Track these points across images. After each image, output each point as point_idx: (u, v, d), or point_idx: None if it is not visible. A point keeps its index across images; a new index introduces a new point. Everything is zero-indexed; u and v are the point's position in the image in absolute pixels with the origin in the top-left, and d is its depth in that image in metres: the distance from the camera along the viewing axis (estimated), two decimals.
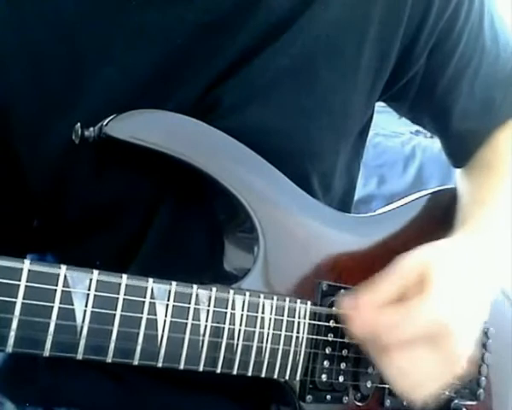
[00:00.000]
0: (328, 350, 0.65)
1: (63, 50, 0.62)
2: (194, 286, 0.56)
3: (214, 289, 0.57)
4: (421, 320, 0.59)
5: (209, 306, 0.56)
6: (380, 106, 0.80)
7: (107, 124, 0.57)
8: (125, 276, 0.52)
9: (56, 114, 0.62)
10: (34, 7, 0.62)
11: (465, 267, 0.65)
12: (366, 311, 0.60)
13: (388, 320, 0.59)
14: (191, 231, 0.67)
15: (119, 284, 0.52)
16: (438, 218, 0.80)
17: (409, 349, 0.59)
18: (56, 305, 0.49)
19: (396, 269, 0.61)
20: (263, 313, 0.60)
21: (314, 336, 0.64)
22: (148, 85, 0.63)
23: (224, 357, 0.58)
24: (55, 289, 0.49)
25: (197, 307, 0.56)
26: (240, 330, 0.58)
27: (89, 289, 0.50)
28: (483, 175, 0.81)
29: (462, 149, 0.84)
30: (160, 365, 0.54)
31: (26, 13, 0.62)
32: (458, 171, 0.86)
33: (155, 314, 0.53)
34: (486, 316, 0.67)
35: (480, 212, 0.76)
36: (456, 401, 0.74)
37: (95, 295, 0.50)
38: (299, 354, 0.63)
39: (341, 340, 0.66)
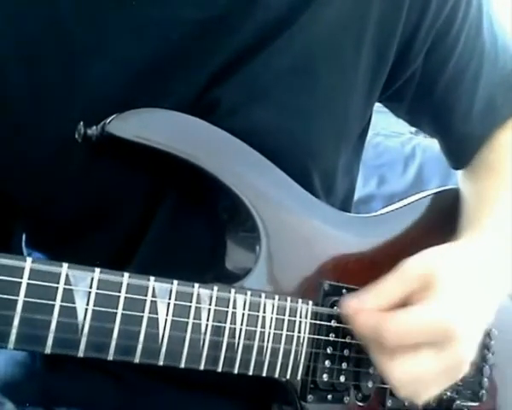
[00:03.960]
0: (329, 350, 0.65)
1: (59, 46, 0.61)
2: (196, 285, 0.56)
3: (215, 288, 0.57)
4: (425, 325, 0.59)
5: (210, 305, 0.56)
6: (379, 106, 0.80)
7: (109, 122, 0.57)
8: (126, 274, 0.52)
9: (51, 109, 0.62)
10: (30, 1, 0.61)
11: (469, 271, 0.64)
12: (369, 312, 0.60)
13: (393, 324, 0.58)
14: (192, 229, 0.66)
15: (121, 283, 0.52)
16: (441, 218, 0.79)
17: (413, 353, 0.59)
18: (58, 303, 0.49)
19: (400, 273, 0.61)
20: (264, 312, 0.60)
21: (315, 336, 0.64)
22: (144, 83, 0.62)
23: (224, 356, 0.57)
24: (57, 288, 0.49)
25: (198, 305, 0.56)
26: (241, 329, 0.58)
27: (90, 288, 0.50)
28: (484, 177, 0.81)
29: (462, 151, 0.84)
30: (160, 363, 0.54)
31: (21, 7, 0.61)
32: (459, 172, 0.86)
33: (156, 313, 0.53)
34: (491, 320, 0.67)
35: (483, 215, 0.76)
36: (458, 402, 0.74)
37: (96, 294, 0.50)
38: (301, 354, 0.63)
39: (343, 340, 0.65)
